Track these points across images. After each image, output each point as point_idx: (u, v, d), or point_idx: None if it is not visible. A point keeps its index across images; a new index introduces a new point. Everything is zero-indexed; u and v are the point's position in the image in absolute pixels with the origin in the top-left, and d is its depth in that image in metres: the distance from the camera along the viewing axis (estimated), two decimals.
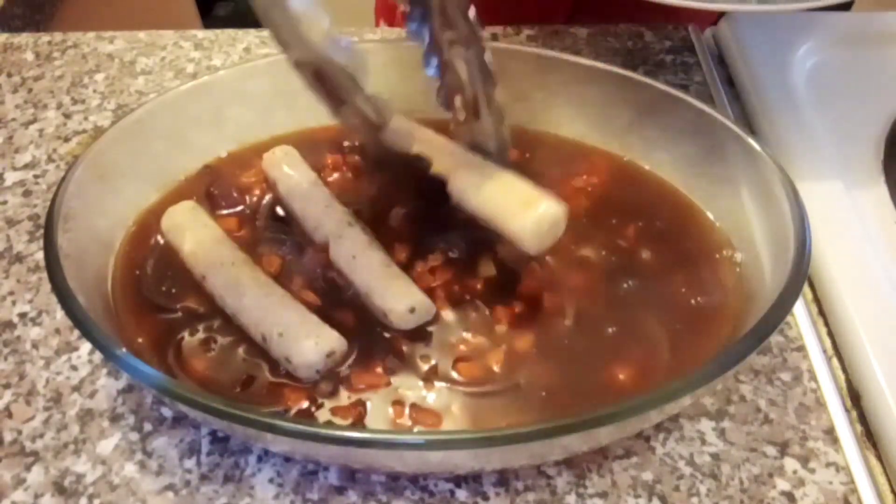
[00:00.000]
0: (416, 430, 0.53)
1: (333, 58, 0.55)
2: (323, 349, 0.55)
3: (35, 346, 0.62)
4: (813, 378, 0.60)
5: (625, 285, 0.61)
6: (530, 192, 0.58)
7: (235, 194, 0.68)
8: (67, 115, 0.83)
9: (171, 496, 0.53)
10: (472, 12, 0.57)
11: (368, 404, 0.54)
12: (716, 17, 1.07)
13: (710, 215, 0.66)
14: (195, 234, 0.62)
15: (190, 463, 0.55)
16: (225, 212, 0.67)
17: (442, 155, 0.63)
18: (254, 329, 0.57)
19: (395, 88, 0.75)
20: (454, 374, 0.55)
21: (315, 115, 0.73)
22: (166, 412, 0.58)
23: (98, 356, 0.61)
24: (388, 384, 0.55)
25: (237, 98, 0.71)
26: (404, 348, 0.57)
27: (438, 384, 0.55)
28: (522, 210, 0.57)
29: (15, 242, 0.70)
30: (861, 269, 0.64)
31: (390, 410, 0.53)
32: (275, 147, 0.69)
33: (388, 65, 0.74)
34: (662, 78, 0.86)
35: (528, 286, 0.61)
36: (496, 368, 0.56)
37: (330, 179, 0.69)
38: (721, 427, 0.57)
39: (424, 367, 0.56)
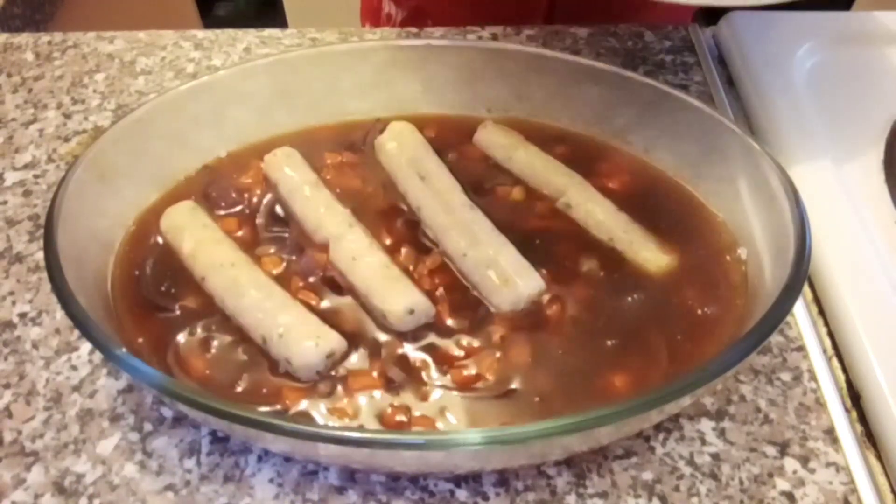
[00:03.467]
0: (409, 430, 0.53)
1: None
2: (323, 350, 0.55)
3: (35, 346, 0.62)
4: (813, 378, 0.60)
5: (630, 298, 0.61)
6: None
7: (234, 195, 0.68)
8: (67, 115, 0.83)
9: (171, 496, 0.53)
10: None
11: (365, 405, 0.54)
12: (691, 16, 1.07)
13: (720, 216, 0.66)
14: (194, 234, 0.62)
15: (190, 463, 0.55)
16: (224, 212, 0.67)
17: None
18: (254, 330, 0.57)
19: (395, 88, 0.75)
20: (450, 378, 0.55)
21: (315, 115, 0.74)
22: (166, 412, 0.58)
23: (98, 356, 0.61)
24: (385, 385, 0.55)
25: (237, 98, 0.71)
26: (402, 350, 0.57)
27: (434, 387, 0.55)
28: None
29: (15, 242, 0.70)
30: (861, 269, 0.64)
31: (388, 411, 0.53)
32: (275, 148, 0.70)
33: (388, 65, 0.74)
34: (662, 78, 0.86)
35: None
36: (491, 373, 0.55)
37: (330, 179, 0.69)
38: (721, 427, 0.57)
39: (421, 369, 0.56)
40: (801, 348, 0.62)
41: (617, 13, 1.01)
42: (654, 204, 0.68)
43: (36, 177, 0.76)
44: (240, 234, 0.65)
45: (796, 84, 0.82)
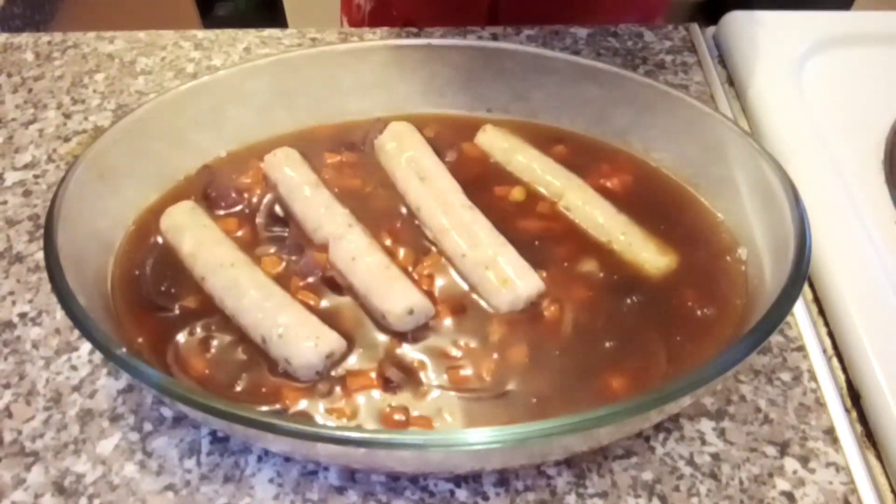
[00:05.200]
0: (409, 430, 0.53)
1: None
2: (323, 351, 0.55)
3: (35, 346, 0.62)
4: (813, 378, 0.60)
5: (629, 299, 0.60)
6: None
7: (234, 195, 0.68)
8: (67, 115, 0.83)
9: (171, 496, 0.53)
10: None
11: (363, 405, 0.54)
12: (653, 16, 1.07)
13: (720, 216, 0.66)
14: (194, 234, 0.62)
15: (190, 463, 0.55)
16: (224, 212, 0.67)
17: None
18: (253, 330, 0.57)
19: (395, 88, 0.75)
20: (448, 378, 0.55)
21: (315, 115, 0.74)
22: (166, 412, 0.58)
23: (98, 356, 0.61)
24: (384, 386, 0.55)
25: (237, 98, 0.71)
26: (401, 350, 0.57)
27: (432, 387, 0.55)
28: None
29: (15, 242, 0.70)
30: (861, 269, 0.64)
31: (387, 411, 0.53)
32: (275, 148, 0.69)
33: (388, 65, 0.74)
34: (662, 78, 0.86)
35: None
36: (488, 374, 0.55)
37: (330, 179, 0.69)
38: (721, 427, 0.57)
39: (419, 369, 0.56)
40: (801, 348, 0.62)
41: (565, 8, 1.01)
42: (653, 204, 0.67)
43: (36, 177, 0.76)
44: (239, 234, 0.65)
45: (796, 84, 0.82)
